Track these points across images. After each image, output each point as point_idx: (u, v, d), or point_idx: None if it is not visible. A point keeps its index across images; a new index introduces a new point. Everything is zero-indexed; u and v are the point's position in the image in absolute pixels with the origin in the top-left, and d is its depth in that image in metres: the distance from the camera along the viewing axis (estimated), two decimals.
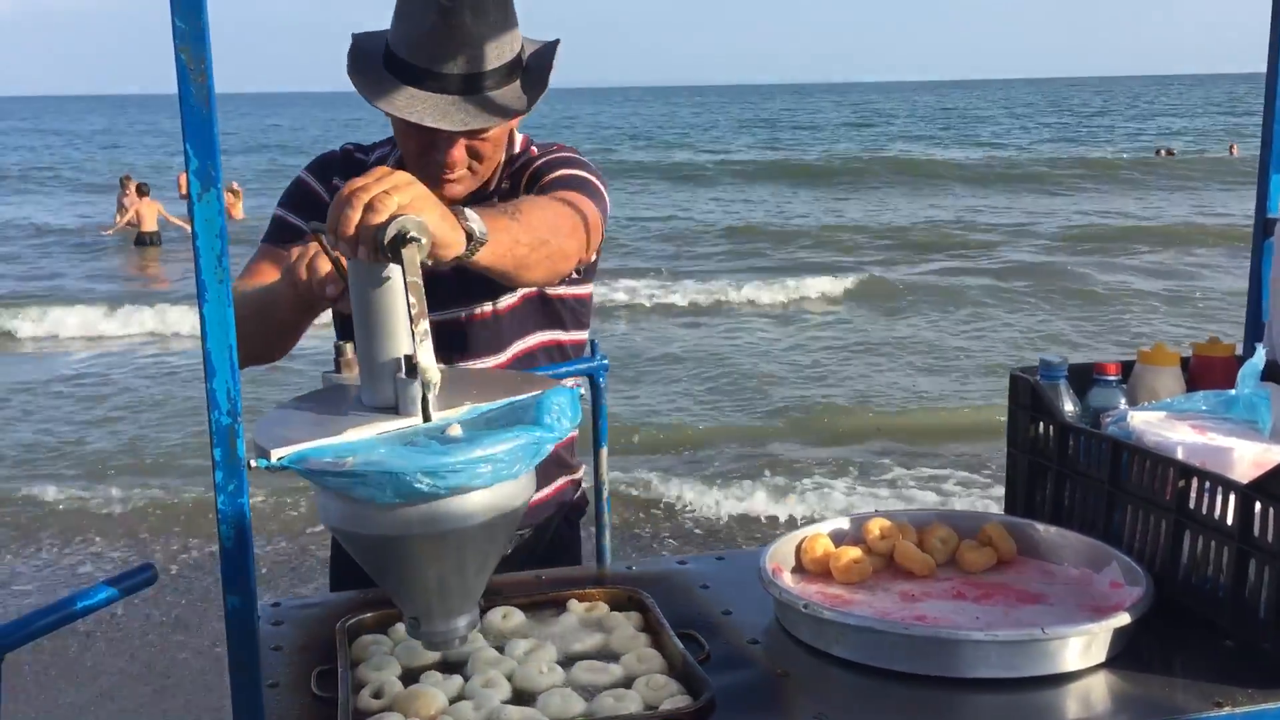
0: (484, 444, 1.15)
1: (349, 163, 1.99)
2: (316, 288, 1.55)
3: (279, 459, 1.11)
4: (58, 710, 4.28)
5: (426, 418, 1.22)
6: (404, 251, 1.21)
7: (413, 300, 1.20)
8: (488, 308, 1.94)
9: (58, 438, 7.97)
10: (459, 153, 1.81)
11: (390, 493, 1.12)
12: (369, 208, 1.24)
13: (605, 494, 1.85)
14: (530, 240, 1.61)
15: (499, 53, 1.77)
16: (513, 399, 1.27)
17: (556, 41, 1.90)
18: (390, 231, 1.22)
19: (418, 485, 1.12)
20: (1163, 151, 30.55)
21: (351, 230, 1.23)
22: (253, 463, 1.10)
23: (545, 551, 2.06)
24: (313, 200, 1.96)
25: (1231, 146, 30.15)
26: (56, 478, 7.03)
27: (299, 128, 58.20)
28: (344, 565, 2.05)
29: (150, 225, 17.33)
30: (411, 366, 1.21)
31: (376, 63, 1.81)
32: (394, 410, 1.23)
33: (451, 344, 1.92)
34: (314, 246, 1.57)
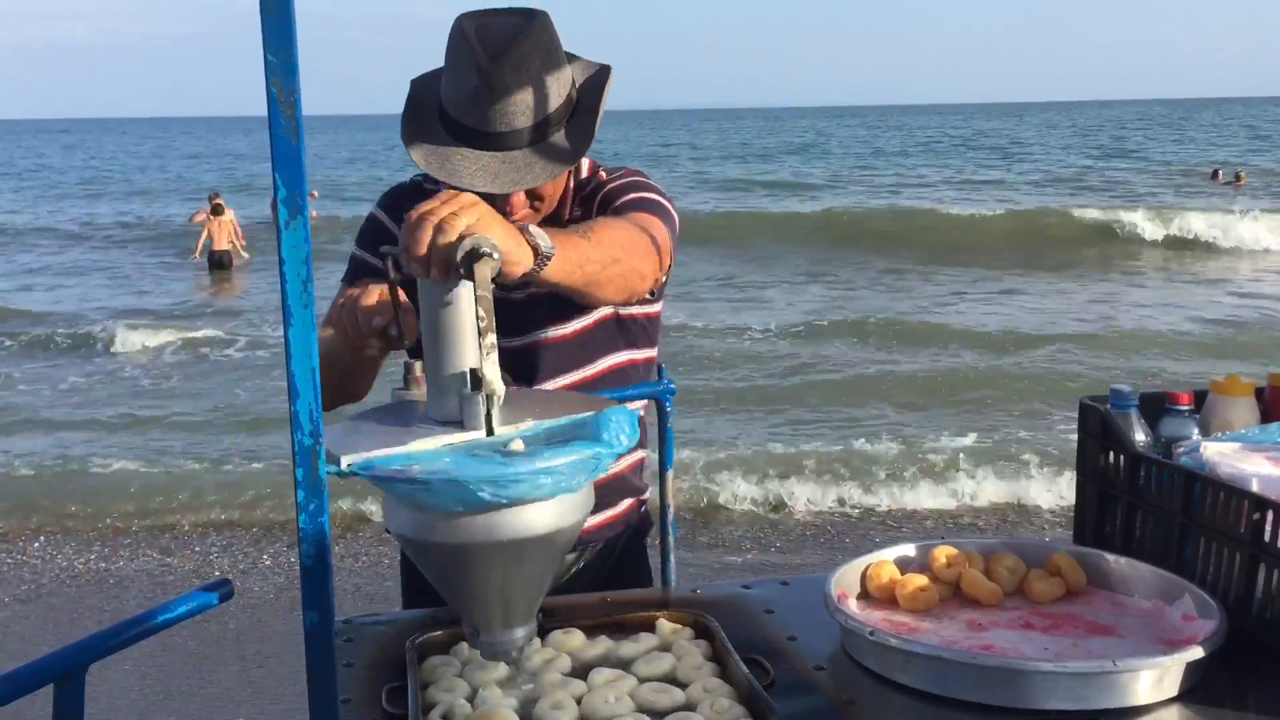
0: (545, 457, 1.19)
1: (420, 194, 2.01)
2: (363, 326, 1.58)
3: (348, 465, 1.16)
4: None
5: (490, 431, 1.26)
6: (476, 267, 1.26)
7: (482, 314, 1.25)
8: (564, 330, 1.97)
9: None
10: (519, 198, 1.83)
11: (453, 500, 1.17)
12: (438, 229, 1.30)
13: (670, 517, 1.87)
14: (601, 258, 1.64)
15: (547, 102, 1.77)
16: (573, 416, 1.31)
17: (608, 69, 1.89)
18: (464, 249, 1.27)
19: (480, 494, 1.16)
20: (1219, 174, 29.77)
21: (424, 250, 1.29)
22: (327, 469, 1.13)
23: (612, 571, 2.08)
24: (388, 236, 1.98)
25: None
26: None
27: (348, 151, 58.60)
28: (414, 576, 2.08)
29: (221, 244, 17.67)
30: (477, 380, 1.26)
31: (432, 114, 1.81)
32: (459, 424, 1.27)
33: (529, 366, 1.96)
34: (355, 292, 1.60)
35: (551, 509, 1.23)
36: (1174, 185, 28.80)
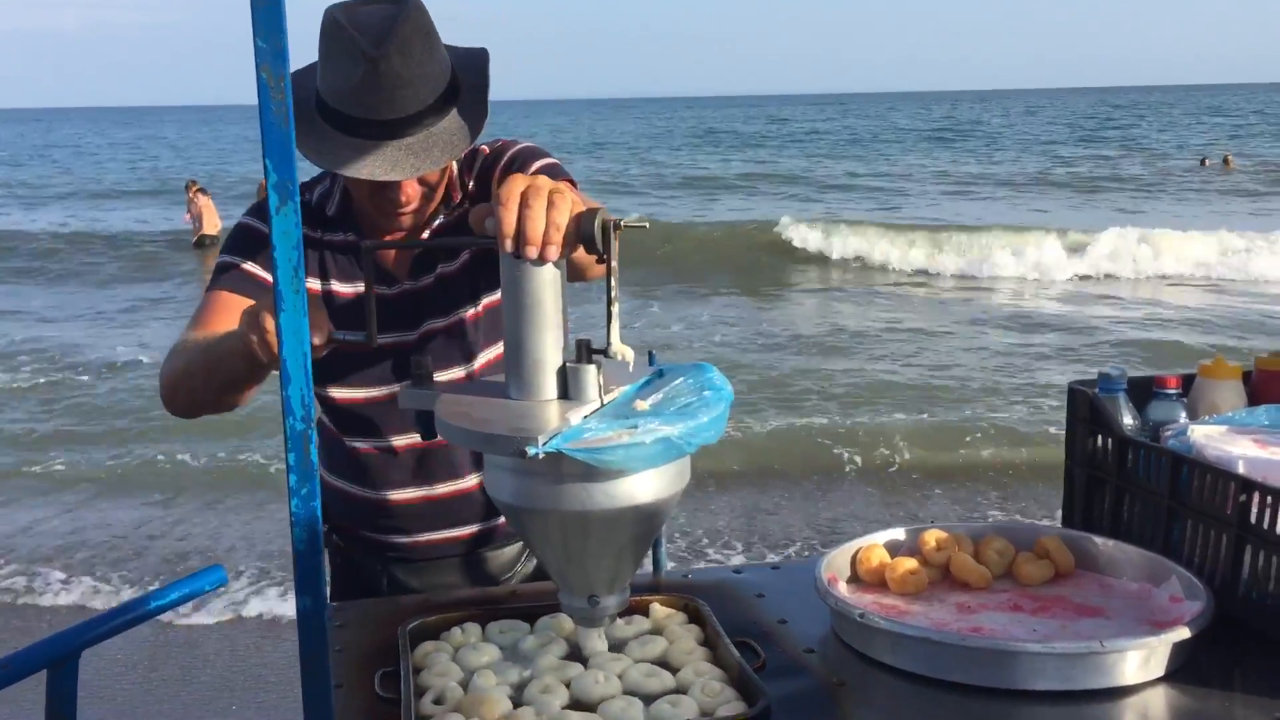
0: (700, 410, 1.26)
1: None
2: (328, 334, 1.56)
3: (544, 444, 1.18)
4: (126, 707, 4.39)
5: (602, 398, 1.32)
6: (614, 238, 1.29)
7: (614, 283, 1.30)
8: (451, 319, 1.95)
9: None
10: (412, 188, 1.81)
11: (661, 457, 1.23)
12: (551, 205, 1.27)
13: None
14: None
15: (433, 86, 1.74)
16: (646, 379, 1.38)
17: (485, 53, 1.87)
18: (600, 220, 1.29)
19: (686, 446, 1.23)
20: (1206, 161, 29.81)
21: (541, 231, 1.26)
22: (527, 450, 1.17)
23: None
24: (264, 244, 1.88)
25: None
26: None
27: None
28: (348, 579, 2.08)
29: (209, 228, 17.53)
30: (587, 353, 1.31)
31: (310, 110, 1.77)
32: (563, 397, 1.32)
33: (458, 347, 1.94)
34: (267, 316, 1.52)
35: (678, 469, 1.32)
36: (1158, 172, 28.73)
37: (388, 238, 1.90)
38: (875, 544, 1.74)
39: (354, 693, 1.44)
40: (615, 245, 1.29)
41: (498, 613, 1.63)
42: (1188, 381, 1.91)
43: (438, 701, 1.41)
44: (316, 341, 1.55)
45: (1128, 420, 1.81)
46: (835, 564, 1.69)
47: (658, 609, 1.64)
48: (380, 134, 1.71)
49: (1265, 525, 1.50)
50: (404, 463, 1.97)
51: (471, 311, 1.95)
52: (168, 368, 1.81)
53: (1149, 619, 1.54)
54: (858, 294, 14.29)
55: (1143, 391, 1.86)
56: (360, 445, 1.97)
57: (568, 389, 1.32)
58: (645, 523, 1.33)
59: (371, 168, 1.71)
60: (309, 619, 1.05)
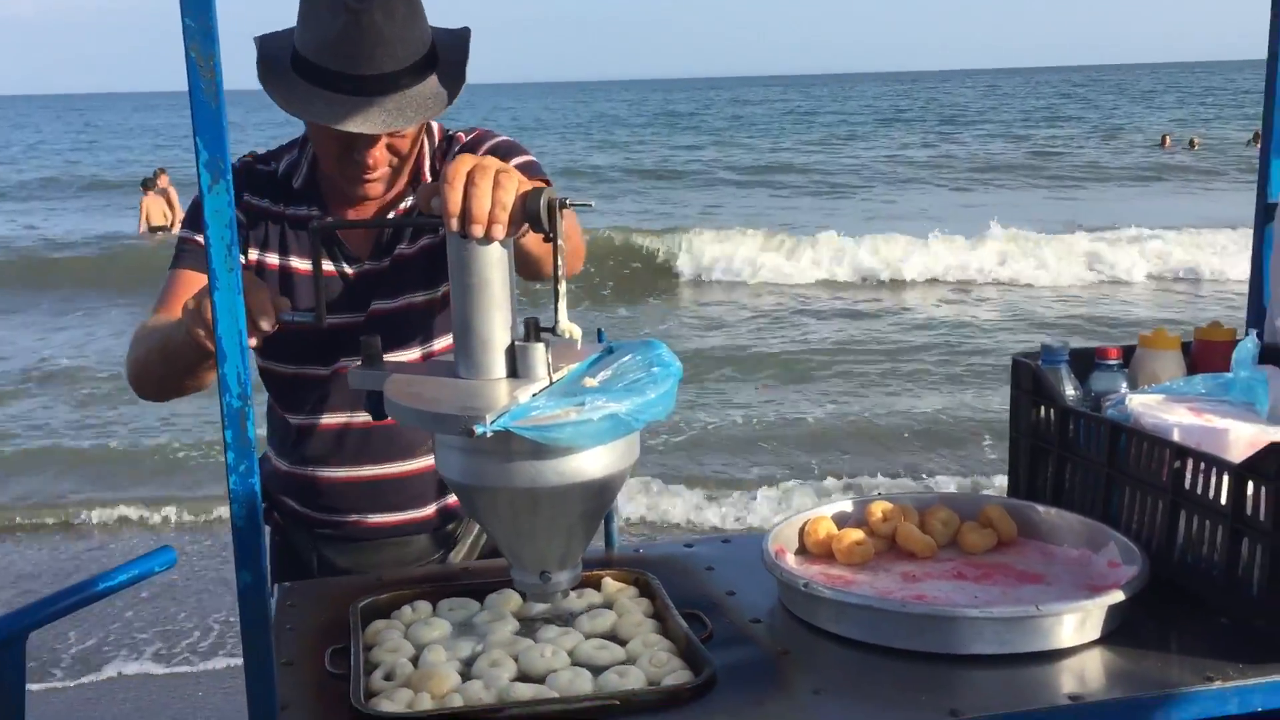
0: (648, 386, 1.27)
1: (254, 175, 1.95)
2: (278, 314, 1.56)
3: (492, 422, 1.19)
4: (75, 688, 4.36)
5: (551, 376, 1.32)
6: (563, 216, 1.31)
7: (561, 262, 1.31)
8: (394, 304, 1.95)
9: None
10: (380, 153, 1.81)
11: (609, 434, 1.24)
12: (498, 185, 1.28)
13: None
14: (577, 228, 1.71)
15: (412, 49, 1.75)
16: (595, 357, 1.39)
17: (467, 30, 1.88)
18: (546, 198, 1.30)
19: (634, 423, 1.24)
20: (1167, 140, 29.96)
21: (486, 209, 1.28)
22: (475, 429, 1.18)
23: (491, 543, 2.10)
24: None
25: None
26: None
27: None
28: (282, 555, 2.08)
29: (157, 219, 17.24)
30: (535, 331, 1.32)
31: (285, 67, 1.78)
32: (512, 376, 1.33)
33: (407, 332, 1.94)
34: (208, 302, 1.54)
35: (626, 446, 1.33)
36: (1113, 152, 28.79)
37: (353, 212, 1.91)
38: (823, 516, 1.76)
39: (304, 670, 1.45)
40: (561, 224, 1.30)
41: (449, 590, 1.64)
42: (1129, 353, 1.95)
43: (388, 677, 1.42)
44: (265, 327, 1.56)
45: (1070, 391, 1.85)
46: (783, 536, 1.72)
47: (609, 583, 1.66)
48: (356, 89, 1.72)
49: (1199, 491, 1.53)
50: (339, 442, 1.97)
51: (426, 297, 1.94)
52: (132, 355, 1.82)
53: (1087, 584, 1.57)
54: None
55: (1085, 363, 1.89)
56: (299, 421, 1.98)
57: (516, 368, 1.33)
58: (595, 499, 1.35)
59: (343, 119, 1.71)
60: (250, 594, 1.06)
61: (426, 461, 1.98)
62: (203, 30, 0.96)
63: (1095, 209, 18.19)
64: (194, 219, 1.92)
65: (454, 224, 1.29)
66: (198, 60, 0.96)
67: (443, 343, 1.96)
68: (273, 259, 1.93)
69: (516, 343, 1.34)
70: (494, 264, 1.32)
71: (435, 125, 1.98)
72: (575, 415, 1.22)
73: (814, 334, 10.88)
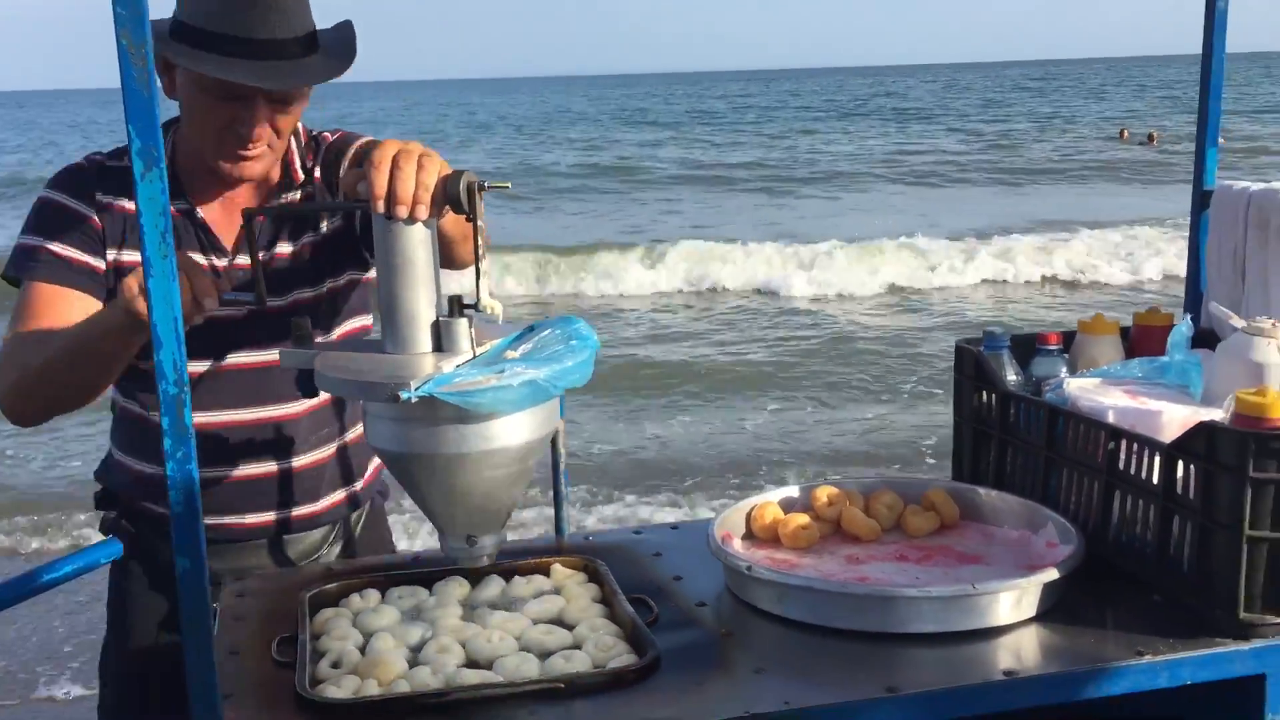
0: (566, 356, 1.34)
1: (105, 172, 1.88)
2: (214, 298, 1.57)
3: (418, 389, 1.25)
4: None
5: (475, 350, 1.39)
6: (480, 199, 1.39)
7: (481, 242, 1.40)
8: (320, 290, 1.96)
9: None
10: (262, 128, 1.79)
11: (529, 399, 1.31)
12: (420, 168, 1.36)
13: (562, 467, 1.89)
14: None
15: (302, 21, 1.78)
16: (517, 334, 1.45)
17: (349, 22, 1.91)
18: (465, 181, 1.38)
19: (551, 390, 1.32)
20: (1125, 133, 30.25)
21: (411, 189, 1.35)
22: (400, 395, 1.24)
23: (361, 539, 2.11)
24: (76, 221, 1.84)
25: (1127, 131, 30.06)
26: None
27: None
28: (147, 568, 1.96)
29: None
30: (458, 307, 1.39)
31: (163, 37, 1.75)
32: (437, 350, 1.39)
33: (284, 327, 1.92)
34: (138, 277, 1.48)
35: (546, 413, 1.41)
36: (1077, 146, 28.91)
37: (221, 205, 1.90)
38: (769, 501, 1.79)
39: (250, 659, 1.45)
40: (480, 205, 1.37)
41: (397, 579, 1.65)
42: (1070, 338, 1.98)
43: (335, 665, 1.43)
44: (209, 306, 1.57)
45: (1011, 376, 1.88)
46: (730, 522, 1.74)
47: (558, 569, 1.67)
48: (248, 53, 1.72)
49: (1132, 471, 1.57)
50: (209, 441, 1.87)
51: (313, 293, 1.94)
52: (9, 377, 1.75)
53: (1026, 564, 1.60)
54: None
55: (1028, 349, 1.93)
56: (202, 420, 1.83)
57: (441, 342, 1.39)
58: (518, 463, 1.41)
59: (244, 73, 1.71)
60: (189, 580, 1.06)
61: (306, 459, 1.97)
62: (134, 18, 0.97)
63: (1043, 204, 17.93)
64: (40, 221, 1.85)
65: (380, 205, 1.35)
66: (129, 48, 0.97)
67: (334, 335, 1.97)
68: (132, 256, 1.87)
69: (441, 318, 1.40)
70: (419, 243, 1.39)
71: (301, 125, 1.97)
72: (496, 381, 1.28)
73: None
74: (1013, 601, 1.45)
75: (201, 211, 1.89)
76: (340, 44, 1.86)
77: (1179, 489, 1.49)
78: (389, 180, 1.35)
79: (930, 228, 14.99)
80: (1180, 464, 1.48)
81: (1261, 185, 2.02)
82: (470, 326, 1.38)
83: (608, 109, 56.85)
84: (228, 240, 1.91)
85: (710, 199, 20.32)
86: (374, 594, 1.62)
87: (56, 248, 1.82)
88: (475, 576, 1.65)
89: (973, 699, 1.33)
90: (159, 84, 1.71)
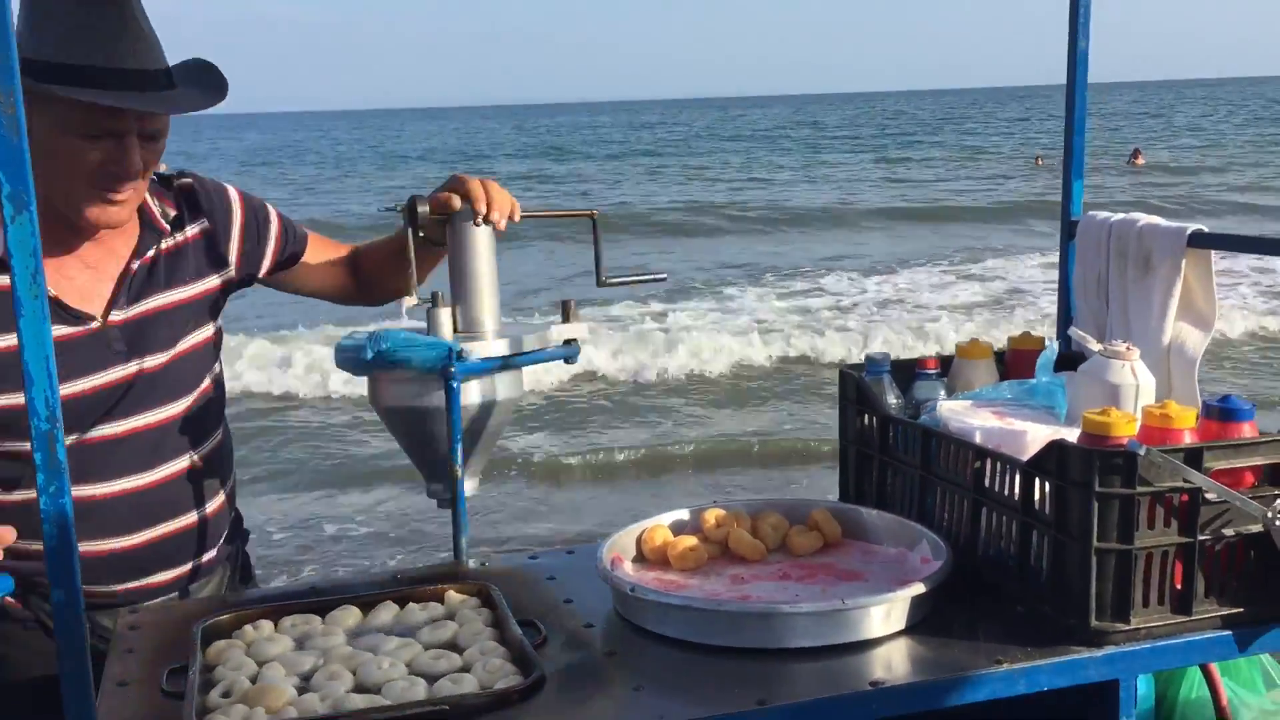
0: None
1: None
2: None
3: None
4: None
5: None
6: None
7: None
8: (184, 295, 1.95)
9: None
10: (136, 158, 1.74)
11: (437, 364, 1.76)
12: (499, 191, 1.88)
13: (462, 494, 1.93)
14: None
15: (161, 55, 1.77)
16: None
17: (197, 58, 1.91)
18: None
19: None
20: (1039, 160, 31.14)
21: (507, 205, 1.88)
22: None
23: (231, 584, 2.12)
24: None
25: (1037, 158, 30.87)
26: None
27: None
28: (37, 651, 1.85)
29: None
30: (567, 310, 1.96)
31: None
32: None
33: (144, 334, 1.89)
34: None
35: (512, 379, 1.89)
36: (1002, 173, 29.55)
37: (78, 260, 1.84)
38: (660, 524, 1.84)
39: (139, 691, 1.47)
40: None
41: (291, 608, 1.67)
42: (948, 363, 2.07)
43: (226, 694, 1.45)
44: None
45: (891, 400, 1.96)
46: (620, 545, 1.79)
47: (452, 595, 1.71)
48: (123, 83, 1.69)
49: (996, 488, 1.65)
50: (121, 508, 1.86)
51: (193, 342, 1.96)
52: None
53: (902, 579, 1.67)
54: None
55: (907, 373, 2.01)
56: (81, 493, 1.81)
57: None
58: (477, 421, 1.87)
59: (141, 103, 1.70)
60: (64, 612, 1.09)
61: (179, 523, 1.95)
62: (4, 67, 1.00)
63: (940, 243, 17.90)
64: None
65: (481, 210, 1.85)
66: None
67: (187, 401, 1.94)
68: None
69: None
70: (488, 247, 1.90)
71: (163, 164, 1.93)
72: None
73: None
74: (882, 615, 1.52)
75: (51, 288, 1.75)
76: (200, 74, 1.86)
77: (1036, 505, 1.57)
78: (495, 196, 1.84)
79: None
80: (1037, 481, 1.56)
81: (1121, 216, 2.13)
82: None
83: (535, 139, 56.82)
84: (91, 306, 1.84)
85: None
86: (267, 624, 1.64)
87: None
88: (369, 604, 1.68)
89: (840, 709, 1.39)
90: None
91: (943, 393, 1.97)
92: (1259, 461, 1.50)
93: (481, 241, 1.87)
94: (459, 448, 1.90)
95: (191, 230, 1.98)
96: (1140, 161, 29.64)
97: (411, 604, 1.69)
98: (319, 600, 1.70)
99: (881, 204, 23.30)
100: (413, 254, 1.86)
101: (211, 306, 2.00)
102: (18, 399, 1.63)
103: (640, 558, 1.82)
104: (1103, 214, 2.17)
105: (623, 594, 1.60)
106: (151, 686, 1.48)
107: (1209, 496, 1.46)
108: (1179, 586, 1.50)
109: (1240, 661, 1.81)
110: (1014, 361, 2.08)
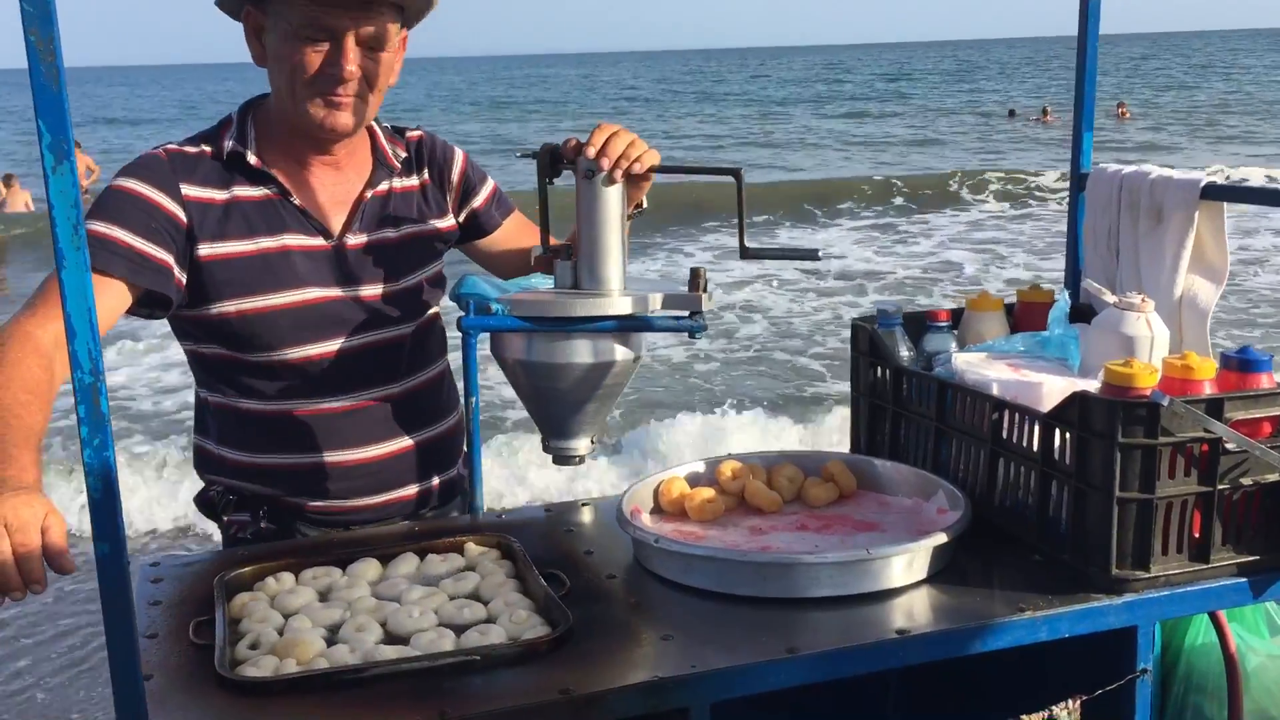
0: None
1: (186, 160, 1.87)
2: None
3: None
4: None
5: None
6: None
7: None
8: (408, 281, 2.02)
9: None
10: (355, 68, 1.82)
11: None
12: (632, 144, 1.75)
13: (478, 445, 1.94)
14: None
15: None
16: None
17: None
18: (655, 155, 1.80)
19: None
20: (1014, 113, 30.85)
21: (618, 152, 1.74)
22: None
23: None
24: (152, 211, 1.80)
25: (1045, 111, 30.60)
26: None
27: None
28: None
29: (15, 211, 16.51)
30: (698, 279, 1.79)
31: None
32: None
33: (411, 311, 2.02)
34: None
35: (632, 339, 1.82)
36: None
37: (316, 180, 1.93)
38: (676, 476, 1.85)
39: (169, 642, 1.47)
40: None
41: (310, 561, 1.68)
42: (959, 315, 2.08)
43: (254, 646, 1.46)
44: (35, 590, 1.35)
45: (904, 352, 1.97)
46: (639, 496, 1.80)
47: (471, 547, 1.72)
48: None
49: (1014, 440, 1.67)
50: (347, 423, 1.94)
51: (412, 280, 2.01)
52: None
53: (919, 529, 1.69)
54: None
55: (919, 326, 2.02)
56: (308, 408, 1.93)
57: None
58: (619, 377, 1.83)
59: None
60: (108, 565, 1.09)
61: (405, 443, 2.01)
62: (41, 15, 0.98)
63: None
64: (117, 213, 1.78)
65: (591, 154, 1.74)
66: (37, 44, 0.98)
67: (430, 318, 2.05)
68: (224, 249, 1.86)
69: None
70: (615, 201, 1.78)
71: (376, 123, 2.03)
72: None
73: None
74: (904, 565, 1.54)
75: (297, 198, 1.91)
76: None
77: (1056, 455, 1.59)
78: (605, 141, 1.73)
79: None
80: (1057, 432, 1.58)
81: (1132, 168, 2.13)
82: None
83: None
84: (330, 223, 1.94)
85: None
86: (288, 577, 1.64)
87: (140, 243, 1.77)
88: (387, 557, 1.68)
89: (867, 657, 1.41)
90: (255, 47, 1.87)
91: (954, 345, 1.98)
92: (1277, 412, 1.52)
93: (599, 192, 1.76)
94: (476, 398, 1.91)
95: (422, 176, 2.08)
96: (1050, 119, 29.14)
97: (431, 555, 1.70)
98: (336, 553, 1.71)
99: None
100: (544, 206, 1.84)
101: (436, 247, 2.08)
102: (268, 301, 1.83)
103: (658, 509, 1.83)
104: (1114, 166, 2.18)
105: (646, 545, 1.61)
106: (179, 637, 1.48)
107: (1229, 446, 1.48)
108: (1197, 535, 1.52)
109: (1245, 608, 1.84)
110: (1023, 314, 2.09)
